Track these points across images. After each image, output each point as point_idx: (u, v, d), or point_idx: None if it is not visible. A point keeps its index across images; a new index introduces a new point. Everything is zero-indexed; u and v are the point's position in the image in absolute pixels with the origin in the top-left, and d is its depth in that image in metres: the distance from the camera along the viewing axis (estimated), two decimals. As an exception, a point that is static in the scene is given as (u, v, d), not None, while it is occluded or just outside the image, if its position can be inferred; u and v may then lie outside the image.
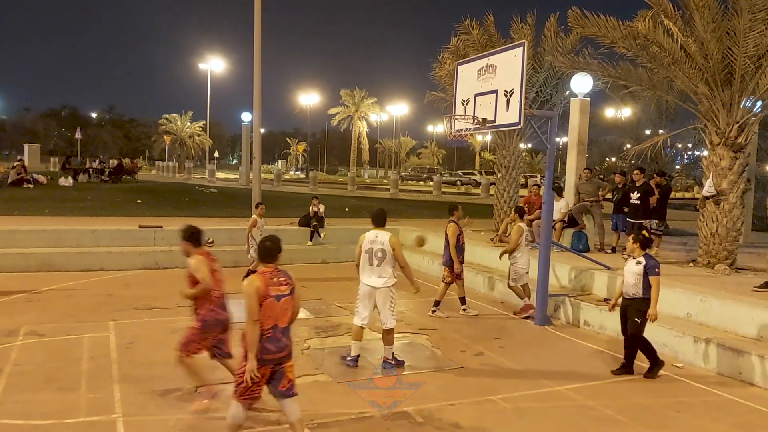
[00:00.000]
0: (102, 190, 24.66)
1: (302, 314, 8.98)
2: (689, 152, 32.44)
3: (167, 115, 68.71)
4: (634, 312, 6.48)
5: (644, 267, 6.38)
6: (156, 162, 64.35)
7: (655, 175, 12.22)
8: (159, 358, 6.41)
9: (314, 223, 14.32)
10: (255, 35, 15.10)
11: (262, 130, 17.57)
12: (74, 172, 30.70)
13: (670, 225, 14.58)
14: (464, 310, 9.24)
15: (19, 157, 34.30)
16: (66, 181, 27.04)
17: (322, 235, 14.37)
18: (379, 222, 6.69)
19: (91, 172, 32.07)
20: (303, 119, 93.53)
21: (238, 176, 42.27)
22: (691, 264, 10.21)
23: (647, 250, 6.60)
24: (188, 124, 67.80)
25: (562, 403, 5.85)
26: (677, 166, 36.50)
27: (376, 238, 6.54)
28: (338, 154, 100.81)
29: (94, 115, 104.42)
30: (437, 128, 70.66)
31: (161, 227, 13.39)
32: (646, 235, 6.79)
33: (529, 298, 9.20)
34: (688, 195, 37.98)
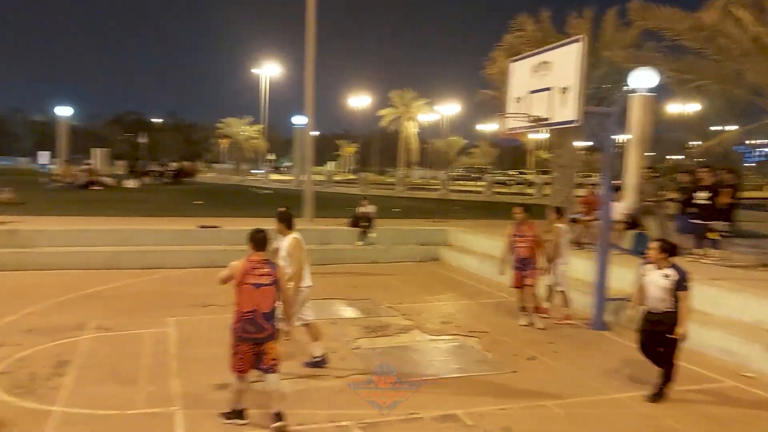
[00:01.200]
0: (164, 192, 25.64)
1: (351, 313, 9.06)
2: (761, 149, 30.80)
3: (224, 119, 70.77)
4: (666, 329, 5.62)
5: (675, 281, 5.57)
6: (213, 164, 66.40)
7: (722, 173, 11.62)
8: (216, 354, 6.59)
9: (364, 224, 14.41)
10: (307, 40, 15.34)
11: (315, 133, 17.84)
12: (139, 174, 32.04)
13: (738, 226, 13.87)
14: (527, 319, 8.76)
15: (87, 161, 36.07)
16: (132, 183, 28.28)
17: (372, 235, 14.43)
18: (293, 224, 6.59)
19: (154, 174, 33.40)
20: (353, 121, 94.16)
21: (291, 178, 43.07)
22: (761, 268, 9.68)
23: (670, 259, 5.73)
24: (244, 127, 69.59)
25: (619, 411, 5.65)
26: (747, 164, 34.69)
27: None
28: (388, 155, 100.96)
29: (157, 120, 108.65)
30: (488, 127, 69.75)
31: (219, 227, 13.79)
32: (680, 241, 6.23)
33: (551, 303, 8.99)
34: (759, 194, 36.02)
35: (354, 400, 5.67)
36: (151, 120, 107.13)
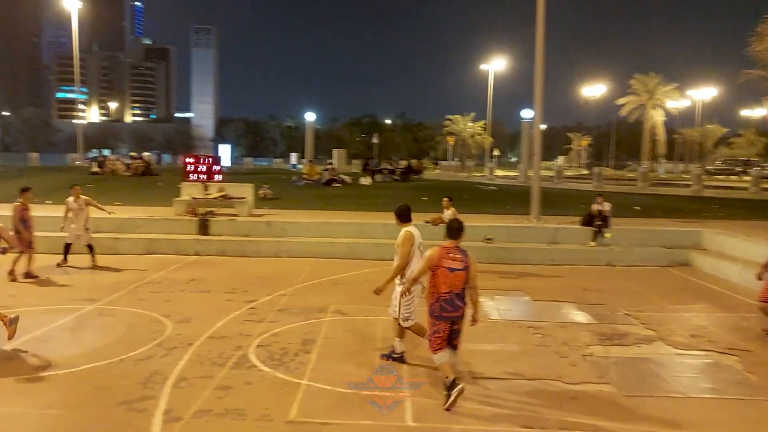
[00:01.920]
0: (394, 188, 27.42)
1: (583, 318, 8.60)
2: None
3: (450, 117, 72.84)
4: None
5: None
6: (439, 161, 68.79)
7: None
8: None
9: (598, 223, 13.54)
10: (537, 29, 14.96)
11: (543, 126, 17.33)
12: (372, 172, 34.75)
13: None
14: None
15: (329, 161, 40.32)
16: (366, 181, 30.87)
17: (607, 235, 13.50)
18: (409, 218, 6.50)
19: (385, 172, 35.93)
20: (586, 112, 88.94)
21: (517, 174, 42.51)
22: None
23: None
24: (470, 124, 70.77)
25: None
26: None
27: (419, 234, 6.38)
28: (626, 148, 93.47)
29: (388, 121, 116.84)
30: (755, 112, 59.97)
31: (444, 222, 14.24)
32: None
33: None
34: None
35: (584, 409, 5.38)
36: (384, 121, 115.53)
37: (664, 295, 10.23)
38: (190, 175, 15.33)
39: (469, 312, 5.57)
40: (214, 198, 15.14)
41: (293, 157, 59.53)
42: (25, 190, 10.72)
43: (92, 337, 7.25)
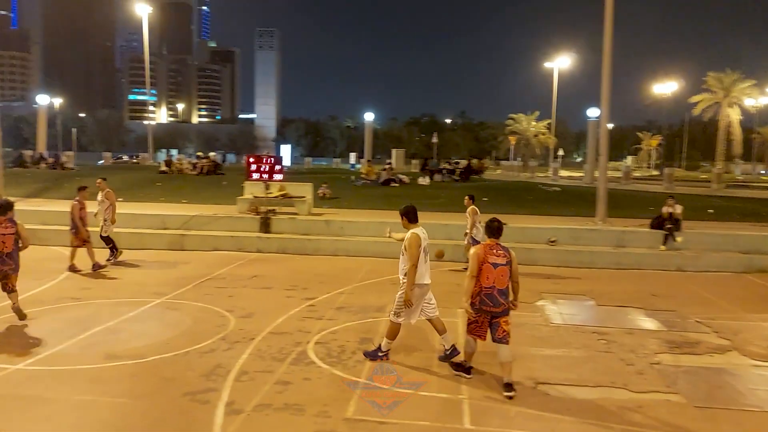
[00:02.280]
0: (453, 189, 27.22)
1: (651, 325, 8.29)
2: None
3: (513, 116, 71.69)
4: None
5: None
6: (501, 161, 67.86)
7: None
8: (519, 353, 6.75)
9: (669, 226, 13.00)
10: (605, 27, 14.52)
11: (610, 126, 16.80)
12: (431, 172, 34.65)
13: None
14: None
15: (387, 161, 40.48)
16: (424, 181, 30.78)
17: (678, 239, 12.94)
18: (416, 218, 6.49)
19: (444, 172, 35.73)
20: (656, 111, 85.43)
21: (582, 174, 41.35)
22: None
23: None
24: (533, 123, 69.44)
25: None
26: None
27: (426, 235, 6.39)
28: (700, 148, 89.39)
29: (448, 120, 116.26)
30: None
31: (505, 224, 14.02)
32: None
33: None
34: None
35: (650, 420, 5.18)
36: (443, 121, 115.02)
37: (740, 302, 9.71)
38: (253, 174, 15.76)
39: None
40: (276, 197, 15.52)
41: (352, 157, 60.14)
42: (82, 188, 11.33)
43: (160, 330, 7.58)
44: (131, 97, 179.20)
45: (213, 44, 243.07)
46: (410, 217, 6.46)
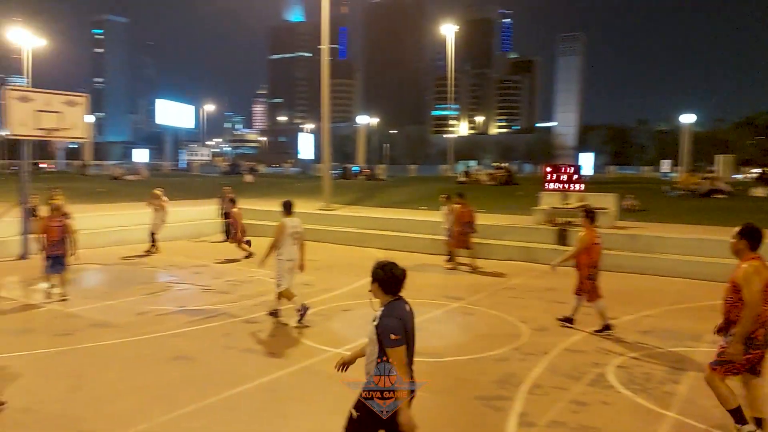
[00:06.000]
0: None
1: None
2: None
3: None
4: None
5: None
6: None
7: None
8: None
9: None
10: None
11: None
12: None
13: None
14: None
15: (710, 168, 35.90)
16: (760, 192, 26.43)
17: None
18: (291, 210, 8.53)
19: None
20: None
21: None
22: None
23: None
24: None
25: None
26: None
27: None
28: None
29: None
30: None
31: None
32: None
33: None
34: None
35: None
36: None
37: None
38: (550, 184, 15.63)
39: None
40: (574, 208, 15.11)
41: (665, 165, 55.07)
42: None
43: (456, 333, 8.08)
44: (435, 113, 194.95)
45: (514, 55, 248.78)
46: (287, 209, 8.55)
